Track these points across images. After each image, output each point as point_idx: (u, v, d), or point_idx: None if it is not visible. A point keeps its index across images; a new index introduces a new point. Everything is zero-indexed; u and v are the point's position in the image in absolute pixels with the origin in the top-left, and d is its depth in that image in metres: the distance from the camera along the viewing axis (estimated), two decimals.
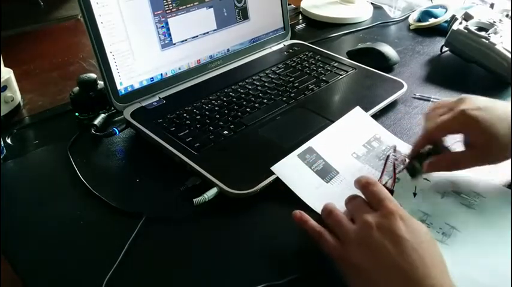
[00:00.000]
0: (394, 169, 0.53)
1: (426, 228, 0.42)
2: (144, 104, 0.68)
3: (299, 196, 0.52)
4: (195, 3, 0.72)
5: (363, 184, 0.46)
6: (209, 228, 0.51)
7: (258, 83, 0.74)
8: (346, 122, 0.62)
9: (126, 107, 0.67)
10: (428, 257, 0.39)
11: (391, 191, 0.51)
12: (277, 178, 0.54)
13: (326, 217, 0.46)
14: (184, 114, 0.66)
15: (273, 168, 0.54)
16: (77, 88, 0.69)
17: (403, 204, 0.51)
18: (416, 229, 0.41)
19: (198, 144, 0.59)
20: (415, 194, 0.53)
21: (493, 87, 0.76)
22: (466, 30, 0.78)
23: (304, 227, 0.46)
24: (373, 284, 0.39)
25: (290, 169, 0.55)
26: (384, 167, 0.54)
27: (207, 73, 0.76)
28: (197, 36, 0.73)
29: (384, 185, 0.52)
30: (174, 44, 0.71)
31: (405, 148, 0.60)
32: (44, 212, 0.53)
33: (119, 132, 0.65)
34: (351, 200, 0.47)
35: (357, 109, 0.64)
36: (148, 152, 0.62)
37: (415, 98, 0.73)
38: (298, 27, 1.01)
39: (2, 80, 0.69)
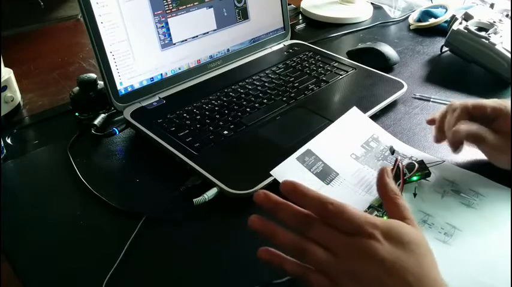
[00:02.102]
0: (403, 173, 0.53)
1: (411, 237, 0.37)
2: (144, 104, 0.68)
3: None
4: (195, 3, 0.72)
5: (330, 211, 0.37)
6: (209, 228, 0.51)
7: (258, 83, 0.74)
8: (344, 123, 0.62)
9: (126, 107, 0.67)
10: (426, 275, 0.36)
11: None
12: None
13: (300, 256, 0.38)
14: (184, 114, 0.66)
15: (272, 172, 0.54)
16: (77, 88, 0.69)
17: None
18: (403, 246, 0.36)
19: (198, 144, 0.59)
20: (415, 195, 0.53)
21: (493, 87, 0.76)
22: (466, 30, 0.78)
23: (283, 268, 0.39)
24: None
25: (289, 172, 0.54)
26: (392, 171, 0.54)
27: (207, 73, 0.76)
28: (197, 36, 0.73)
29: None
30: (174, 44, 0.71)
31: (403, 148, 0.60)
32: (44, 212, 0.54)
33: (119, 132, 0.65)
34: (312, 226, 0.38)
35: (354, 109, 0.64)
36: (148, 152, 0.62)
37: (415, 98, 0.73)
38: (298, 27, 1.01)
39: (2, 80, 0.69)
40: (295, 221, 0.38)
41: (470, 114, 0.55)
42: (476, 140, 0.54)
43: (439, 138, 0.57)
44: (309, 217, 0.38)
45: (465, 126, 0.53)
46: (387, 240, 0.36)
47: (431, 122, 0.59)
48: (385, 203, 0.42)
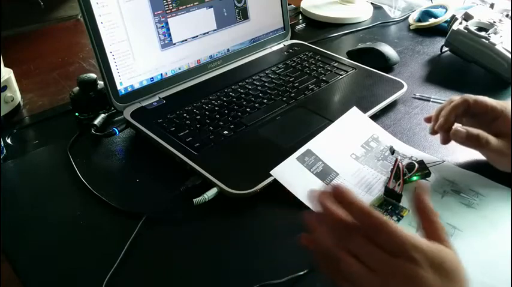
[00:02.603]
0: (403, 173, 0.53)
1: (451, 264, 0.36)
2: (144, 104, 0.68)
3: (300, 199, 0.52)
4: (195, 3, 0.72)
5: (377, 225, 0.36)
6: (209, 228, 0.51)
7: (258, 83, 0.74)
8: (344, 123, 0.62)
9: (126, 107, 0.67)
10: None
11: (400, 196, 0.51)
12: None
13: (335, 263, 0.37)
14: (184, 114, 0.66)
15: (273, 172, 0.54)
16: (77, 88, 0.69)
17: (404, 204, 0.51)
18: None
19: (198, 144, 0.59)
20: None
21: (493, 87, 0.76)
22: (466, 30, 0.78)
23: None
24: None
25: (289, 172, 0.55)
26: (392, 171, 0.54)
27: (207, 73, 0.76)
28: (197, 36, 0.73)
29: (392, 189, 0.52)
30: (174, 44, 0.71)
31: (403, 148, 0.60)
32: (44, 212, 0.54)
33: (119, 132, 0.65)
34: (354, 238, 0.37)
35: (354, 109, 0.64)
36: (148, 152, 0.62)
37: (415, 98, 0.73)
38: (298, 27, 1.01)
39: (2, 80, 0.69)
40: (338, 228, 0.38)
41: (469, 107, 0.54)
42: (477, 143, 0.53)
43: (435, 130, 0.56)
44: (353, 227, 0.37)
45: (466, 128, 0.53)
46: (431, 267, 0.34)
47: (428, 120, 0.59)
48: (423, 223, 0.39)
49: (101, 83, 0.69)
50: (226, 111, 0.66)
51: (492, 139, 0.52)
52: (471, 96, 0.55)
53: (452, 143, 0.55)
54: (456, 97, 0.56)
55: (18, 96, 0.74)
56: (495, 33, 0.78)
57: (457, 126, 0.54)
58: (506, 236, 0.47)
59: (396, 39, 0.95)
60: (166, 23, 0.69)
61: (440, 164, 0.57)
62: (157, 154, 0.61)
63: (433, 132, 0.56)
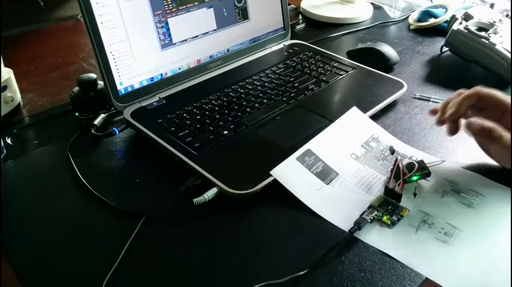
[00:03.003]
0: (403, 173, 0.53)
1: None
2: (144, 104, 0.68)
3: (300, 198, 0.52)
4: (195, 3, 0.72)
5: None
6: (209, 228, 0.51)
7: (258, 83, 0.74)
8: (344, 123, 0.62)
9: (126, 107, 0.67)
10: None
11: (400, 196, 0.51)
12: None
13: None
14: (184, 114, 0.66)
15: (272, 172, 0.54)
16: (77, 88, 0.69)
17: (404, 204, 0.52)
18: None
19: (198, 144, 0.59)
20: (415, 195, 0.53)
21: (493, 87, 0.76)
22: (466, 30, 0.78)
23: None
24: None
25: (289, 172, 0.55)
26: (392, 171, 0.54)
27: (207, 73, 0.76)
28: (197, 36, 0.73)
29: (392, 189, 0.52)
30: (174, 44, 0.71)
31: (403, 148, 0.60)
32: (44, 212, 0.54)
33: (119, 132, 0.65)
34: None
35: (354, 109, 0.64)
36: (148, 152, 0.62)
37: (415, 98, 0.73)
38: (298, 27, 1.01)
39: (2, 80, 0.69)
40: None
41: (480, 99, 0.54)
42: (490, 137, 0.51)
43: (441, 120, 0.55)
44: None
45: (479, 120, 0.51)
46: None
47: (434, 112, 0.58)
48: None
49: (101, 83, 0.69)
50: (226, 111, 0.66)
51: (505, 134, 0.51)
52: (482, 89, 0.54)
53: (455, 137, 0.54)
54: (464, 90, 0.55)
55: (18, 96, 0.74)
56: (495, 33, 0.78)
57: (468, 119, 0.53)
58: (506, 236, 0.47)
59: (396, 39, 0.95)
60: (166, 23, 0.69)
61: (440, 164, 0.57)
62: (158, 154, 0.61)
63: (440, 122, 0.55)
